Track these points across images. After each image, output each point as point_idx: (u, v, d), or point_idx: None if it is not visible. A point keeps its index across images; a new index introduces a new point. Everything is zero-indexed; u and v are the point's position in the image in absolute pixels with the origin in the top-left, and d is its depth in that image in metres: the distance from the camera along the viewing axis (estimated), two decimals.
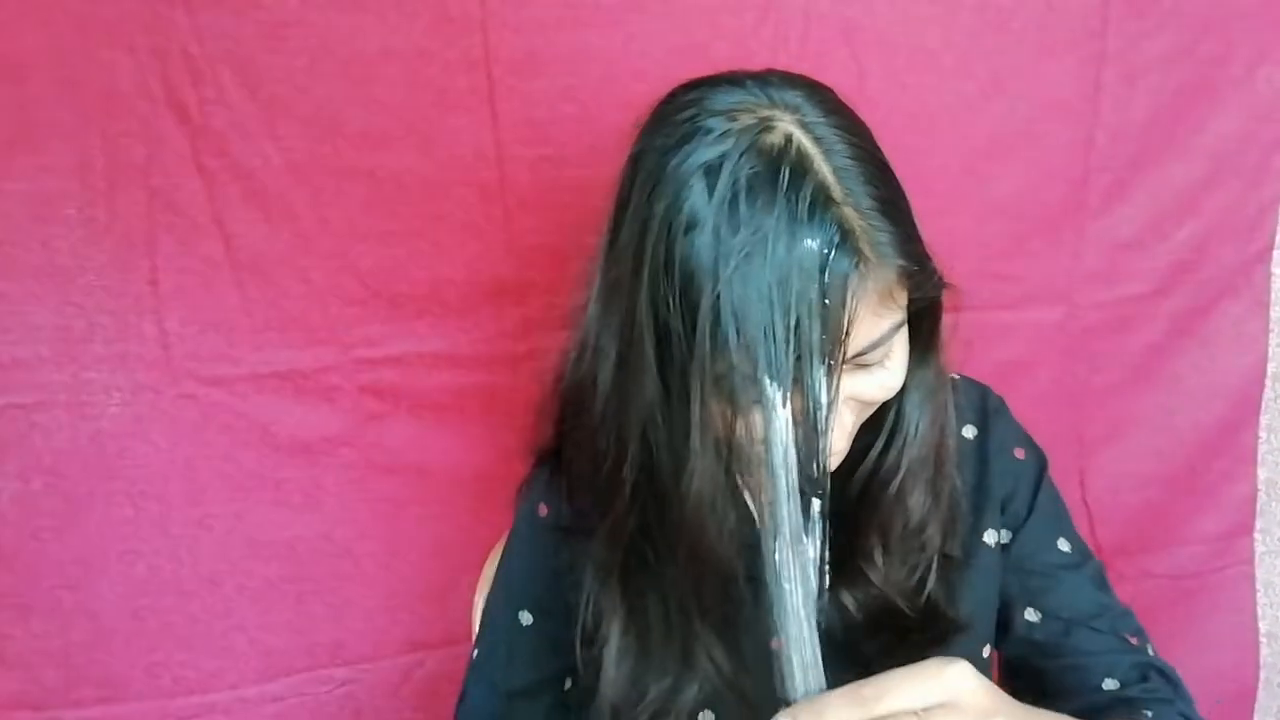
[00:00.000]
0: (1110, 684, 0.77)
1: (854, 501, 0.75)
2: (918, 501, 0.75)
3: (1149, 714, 0.73)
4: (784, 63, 0.97)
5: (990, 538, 0.80)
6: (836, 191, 0.58)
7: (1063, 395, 1.14)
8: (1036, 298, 1.11)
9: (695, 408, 0.63)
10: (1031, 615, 0.80)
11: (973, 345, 1.08)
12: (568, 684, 0.82)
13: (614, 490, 0.71)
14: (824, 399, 0.59)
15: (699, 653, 0.72)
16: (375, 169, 0.96)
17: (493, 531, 0.93)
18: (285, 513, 1.04)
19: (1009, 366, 1.12)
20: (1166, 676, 0.78)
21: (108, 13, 0.89)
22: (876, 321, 0.61)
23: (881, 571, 0.74)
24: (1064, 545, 0.81)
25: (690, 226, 0.58)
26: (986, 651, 0.82)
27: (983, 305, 1.10)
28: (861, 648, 0.73)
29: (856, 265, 0.57)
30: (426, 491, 1.07)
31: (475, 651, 0.84)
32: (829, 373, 0.58)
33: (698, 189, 0.58)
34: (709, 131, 0.59)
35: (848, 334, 0.58)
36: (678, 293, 0.59)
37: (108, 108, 0.91)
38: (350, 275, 0.99)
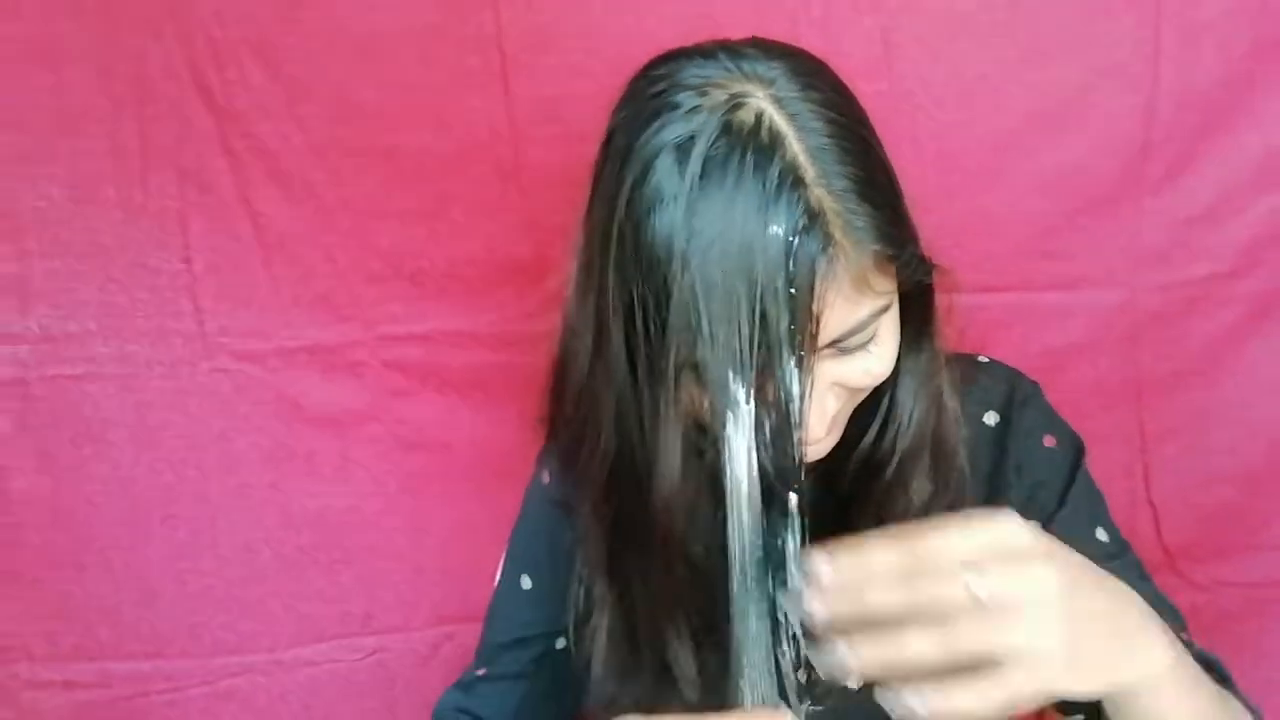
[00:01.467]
0: None
1: (848, 488, 0.73)
2: (919, 489, 0.72)
3: None
4: (805, 32, 0.95)
5: None
6: (808, 172, 0.55)
7: (1124, 384, 1.06)
8: (1093, 279, 1.03)
9: (664, 395, 0.62)
10: None
11: (1014, 329, 1.04)
12: (560, 643, 0.84)
13: (591, 477, 0.71)
14: (795, 391, 0.57)
15: (680, 652, 0.72)
16: (393, 148, 0.98)
17: (517, 510, 0.93)
18: (316, 484, 1.07)
19: (1064, 352, 1.05)
20: (1213, 668, 0.72)
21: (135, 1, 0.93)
22: (852, 309, 0.59)
23: None
24: (1102, 535, 0.77)
25: (656, 208, 0.56)
26: None
27: (1033, 286, 1.03)
28: None
29: (825, 250, 0.55)
30: (452, 467, 1.08)
31: (486, 614, 0.87)
32: (800, 363, 0.56)
33: (665, 168, 0.56)
34: (677, 107, 0.57)
35: (818, 323, 0.56)
36: (644, 277, 0.58)
37: (138, 92, 0.96)
38: (372, 253, 1.01)
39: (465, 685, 0.85)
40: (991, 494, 0.77)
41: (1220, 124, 0.98)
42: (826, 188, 0.56)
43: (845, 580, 0.50)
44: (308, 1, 0.93)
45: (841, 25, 0.95)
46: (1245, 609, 1.10)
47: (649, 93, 0.59)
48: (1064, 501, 0.77)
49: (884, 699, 0.49)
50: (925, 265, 0.64)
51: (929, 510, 0.72)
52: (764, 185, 0.54)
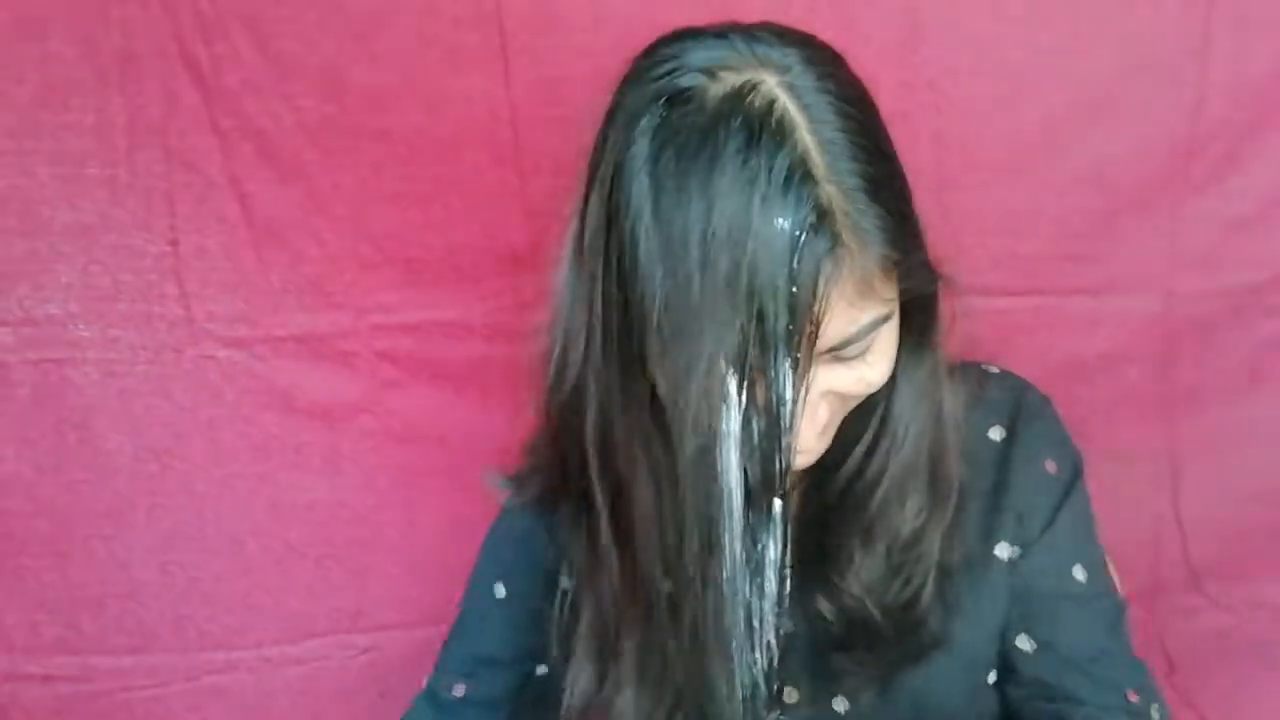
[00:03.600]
0: None
1: (834, 502, 0.70)
2: (912, 509, 0.69)
3: None
4: (824, 14, 0.89)
5: (1003, 551, 0.72)
6: (818, 167, 0.52)
7: (1156, 397, 1.01)
8: (1126, 284, 0.98)
9: (647, 390, 0.59)
10: (1024, 644, 0.72)
11: (1039, 334, 0.98)
12: (540, 669, 0.81)
13: (572, 476, 0.67)
14: (789, 395, 0.54)
15: (656, 669, 0.68)
16: (387, 129, 0.94)
17: None
18: (305, 477, 1.04)
19: (1090, 362, 1.00)
20: None
21: None
22: (854, 314, 0.55)
23: (858, 579, 0.69)
24: (1079, 574, 0.73)
25: (656, 195, 0.53)
26: (992, 678, 0.74)
27: (1061, 290, 0.99)
28: (832, 660, 0.69)
29: (832, 250, 0.52)
30: (445, 461, 1.05)
31: (458, 613, 0.85)
32: (795, 367, 0.53)
33: (668, 154, 0.53)
34: (683, 90, 0.54)
35: (817, 326, 0.53)
36: (639, 266, 0.54)
37: (125, 66, 0.92)
38: (364, 239, 0.98)
39: (440, 705, 0.82)
40: (988, 512, 0.73)
41: (1270, 122, 0.92)
42: (837, 185, 0.53)
43: None
44: None
45: (864, 9, 0.90)
46: (1271, 632, 1.05)
47: (654, 74, 0.56)
48: (1048, 529, 0.73)
49: None
50: (930, 274, 0.61)
51: (923, 530, 0.69)
52: (771, 176, 0.51)
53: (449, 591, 1.09)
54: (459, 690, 0.82)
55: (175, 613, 1.06)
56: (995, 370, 0.77)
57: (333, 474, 1.05)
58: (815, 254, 0.52)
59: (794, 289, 0.51)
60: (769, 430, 0.55)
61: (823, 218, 0.52)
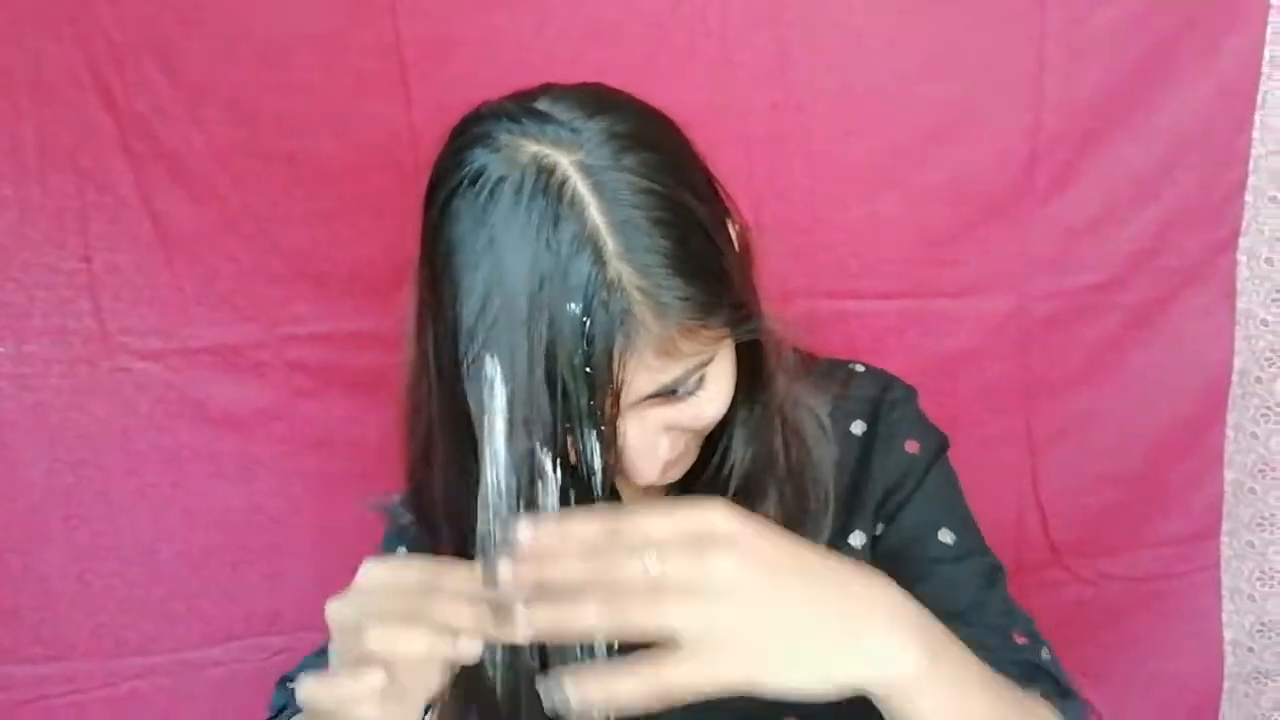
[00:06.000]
0: None
1: None
2: (767, 513, 0.71)
3: None
4: (702, 44, 0.97)
5: (857, 539, 0.77)
6: (608, 245, 0.55)
7: (1014, 389, 1.09)
8: (984, 286, 1.06)
9: (460, 453, 0.63)
10: None
11: (907, 334, 1.07)
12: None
13: (431, 517, 0.71)
14: (598, 464, 0.56)
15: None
16: (294, 152, 0.98)
17: None
18: (220, 484, 1.07)
19: (954, 358, 1.08)
20: (1056, 681, 0.73)
21: (34, 2, 0.93)
22: (657, 374, 0.58)
23: None
24: (945, 537, 0.77)
25: (461, 277, 0.56)
26: None
27: (925, 293, 1.07)
28: None
29: (623, 324, 0.54)
30: (355, 466, 1.08)
31: None
32: (602, 438, 0.56)
33: (470, 237, 0.56)
34: (483, 169, 0.56)
35: (617, 394, 0.56)
36: (450, 348, 0.58)
37: (37, 94, 0.95)
38: (274, 255, 1.02)
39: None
40: (852, 503, 0.77)
41: (1102, 138, 1.02)
42: (630, 262, 0.54)
43: (542, 548, 0.50)
44: (208, 7, 0.93)
45: (738, 39, 0.97)
46: (1128, 602, 1.14)
47: (461, 155, 0.58)
48: (909, 502, 0.77)
49: (544, 689, 0.49)
50: (750, 324, 0.63)
51: None
52: (561, 259, 0.53)
53: None
54: None
55: (93, 621, 1.08)
56: (861, 368, 0.82)
57: (247, 481, 1.08)
58: (606, 333, 0.54)
59: (588, 370, 0.54)
60: (581, 499, 0.57)
61: (611, 293, 0.54)
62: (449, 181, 0.58)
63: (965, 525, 0.79)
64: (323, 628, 1.13)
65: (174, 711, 1.11)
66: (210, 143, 0.97)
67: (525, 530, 0.50)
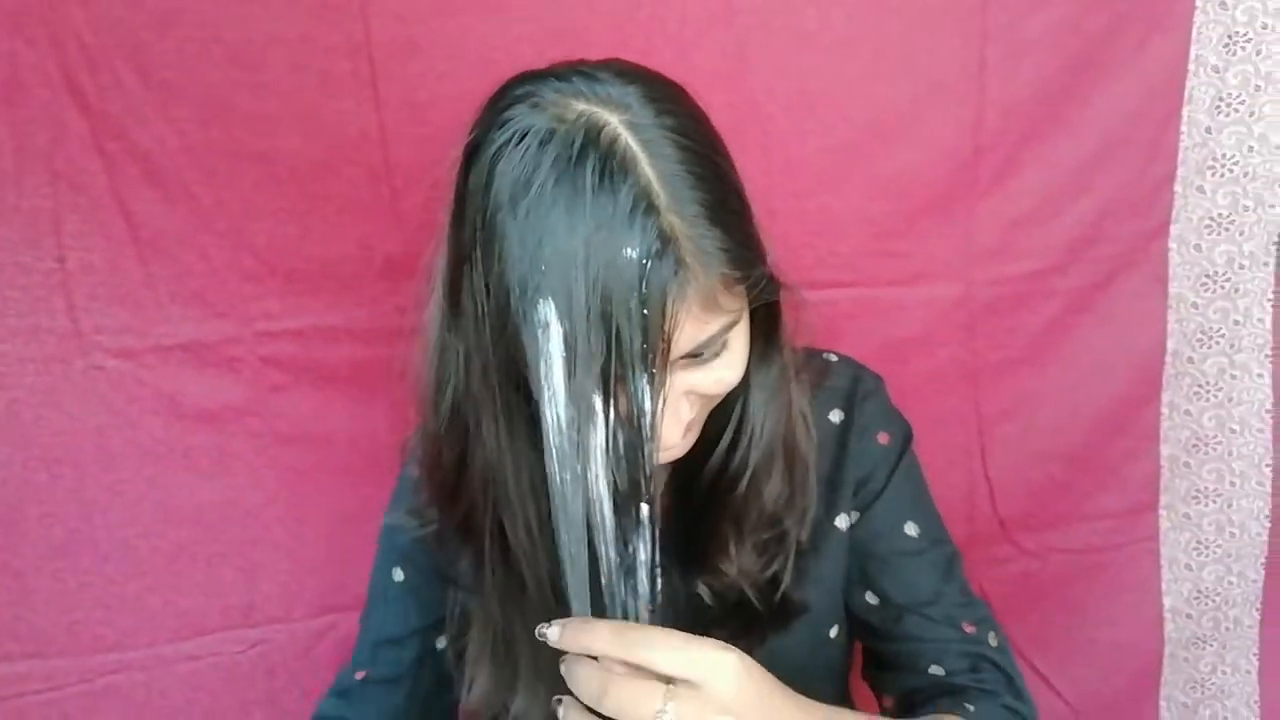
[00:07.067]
0: (936, 670, 0.79)
1: (704, 494, 0.76)
2: (772, 493, 0.76)
3: (970, 707, 0.75)
4: (661, 47, 1.01)
5: (842, 521, 0.82)
6: (660, 197, 0.57)
7: (961, 372, 1.15)
8: (931, 275, 1.12)
9: (517, 407, 0.66)
10: (870, 598, 0.82)
11: (860, 320, 1.11)
12: (441, 642, 0.86)
13: (449, 488, 0.73)
14: (648, 406, 0.59)
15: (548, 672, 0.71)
16: (266, 151, 1.01)
17: None
18: (194, 479, 1.09)
19: (905, 343, 1.13)
20: (1000, 669, 0.79)
21: (7, 5, 0.94)
22: (701, 326, 0.61)
23: (735, 562, 0.75)
24: (910, 530, 0.82)
25: (510, 230, 0.57)
26: (834, 632, 0.84)
27: (876, 282, 1.11)
28: (709, 635, 0.75)
29: (677, 274, 0.57)
30: (331, 460, 1.11)
31: (363, 612, 0.89)
32: (652, 381, 0.58)
33: (519, 192, 0.57)
34: (532, 127, 0.58)
35: (669, 341, 0.58)
36: (500, 298, 0.59)
37: (10, 95, 0.96)
38: (247, 252, 1.04)
39: (343, 691, 0.85)
40: (830, 490, 0.81)
41: (1040, 133, 1.07)
42: (678, 213, 0.57)
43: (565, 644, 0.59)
44: (180, 9, 0.95)
45: (695, 41, 1.01)
46: (1072, 573, 1.20)
47: (506, 115, 0.60)
48: (881, 494, 0.81)
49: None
50: (772, 284, 0.66)
51: (782, 516, 0.76)
52: (615, 209, 0.55)
53: (336, 583, 1.16)
54: (360, 675, 0.85)
55: (68, 618, 1.09)
56: (834, 358, 0.86)
57: (221, 475, 1.09)
58: (661, 278, 0.56)
59: (645, 312, 0.56)
60: (632, 440, 0.59)
61: (667, 245, 0.56)
62: (493, 141, 0.59)
63: (928, 516, 0.84)
64: (296, 619, 1.16)
65: (150, 706, 1.12)
66: (183, 142, 1.00)
67: (552, 630, 0.60)
